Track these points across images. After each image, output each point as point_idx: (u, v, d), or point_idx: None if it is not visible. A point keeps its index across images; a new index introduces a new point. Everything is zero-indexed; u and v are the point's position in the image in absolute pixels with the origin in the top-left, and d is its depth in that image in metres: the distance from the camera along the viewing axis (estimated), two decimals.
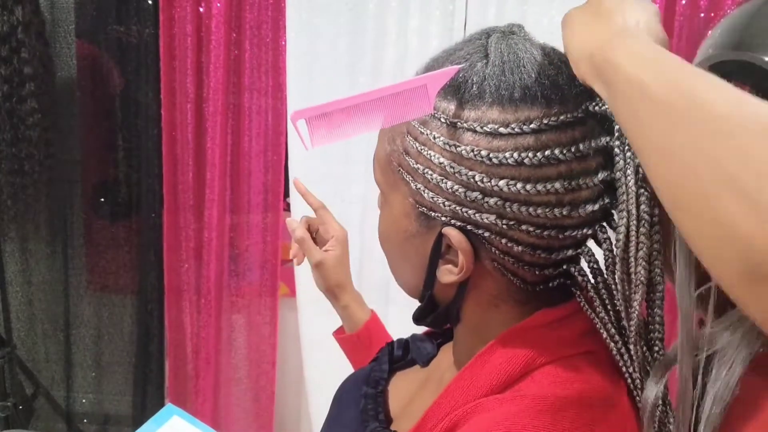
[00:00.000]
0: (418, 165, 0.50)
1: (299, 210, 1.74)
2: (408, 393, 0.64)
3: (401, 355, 0.72)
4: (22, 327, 2.06)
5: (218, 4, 1.67)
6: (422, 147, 0.50)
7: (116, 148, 1.92)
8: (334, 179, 1.68)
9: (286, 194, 1.82)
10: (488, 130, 0.47)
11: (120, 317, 2.05)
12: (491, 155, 0.46)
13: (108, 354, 2.08)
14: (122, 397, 2.10)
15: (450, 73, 0.49)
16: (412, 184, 0.51)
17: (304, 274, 1.76)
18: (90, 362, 2.09)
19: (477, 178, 0.47)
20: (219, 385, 1.92)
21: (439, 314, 0.56)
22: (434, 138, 0.49)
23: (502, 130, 0.46)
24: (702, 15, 1.54)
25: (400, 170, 0.52)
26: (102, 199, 2.00)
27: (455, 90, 0.49)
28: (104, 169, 1.97)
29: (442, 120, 0.49)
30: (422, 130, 0.50)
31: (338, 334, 0.94)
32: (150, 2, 1.77)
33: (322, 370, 1.78)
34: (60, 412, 2.12)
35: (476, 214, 0.48)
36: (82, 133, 1.93)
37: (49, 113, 1.78)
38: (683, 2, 1.54)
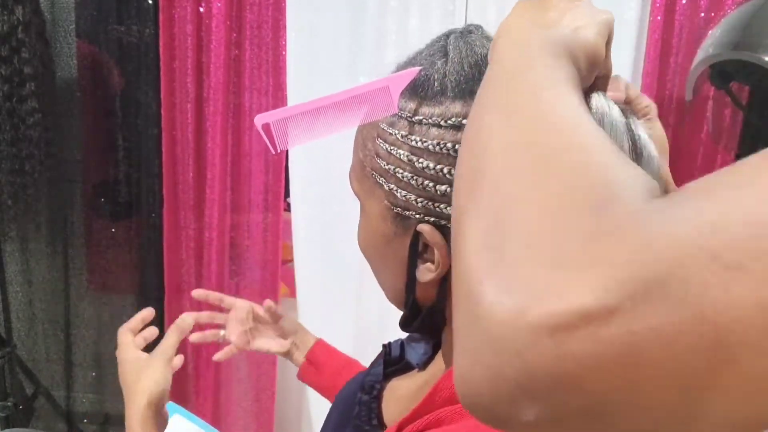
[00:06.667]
0: (389, 165, 0.51)
1: (299, 210, 1.74)
2: (404, 399, 0.64)
3: (398, 357, 0.72)
4: (22, 327, 2.06)
5: (218, 4, 1.67)
6: (391, 147, 0.51)
7: (116, 148, 1.92)
8: (335, 179, 1.68)
9: (287, 194, 1.82)
10: (452, 123, 0.48)
11: (120, 317, 2.05)
12: (457, 147, 0.47)
13: (108, 354, 2.08)
14: (122, 397, 2.10)
15: (411, 74, 0.51)
16: (385, 186, 0.52)
17: (304, 275, 1.76)
18: (90, 362, 2.09)
19: (445, 171, 0.48)
20: (219, 385, 1.92)
21: (424, 318, 0.56)
22: (402, 137, 0.50)
23: (465, 122, 0.47)
24: (702, 15, 1.54)
25: (373, 174, 0.53)
26: (102, 199, 2.00)
27: (418, 89, 0.50)
28: (104, 169, 1.97)
29: (408, 118, 0.50)
30: (390, 131, 0.51)
31: (302, 374, 0.96)
32: (150, 2, 1.77)
33: None
34: (60, 412, 2.12)
35: (448, 208, 0.49)
36: (83, 132, 1.93)
37: (49, 113, 1.78)
38: (683, 2, 1.54)
